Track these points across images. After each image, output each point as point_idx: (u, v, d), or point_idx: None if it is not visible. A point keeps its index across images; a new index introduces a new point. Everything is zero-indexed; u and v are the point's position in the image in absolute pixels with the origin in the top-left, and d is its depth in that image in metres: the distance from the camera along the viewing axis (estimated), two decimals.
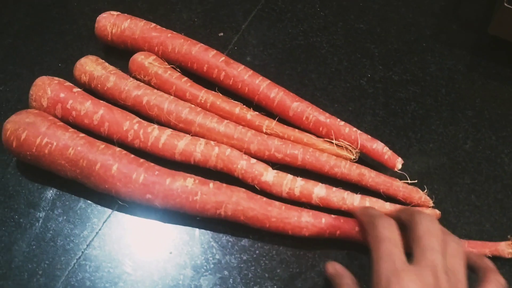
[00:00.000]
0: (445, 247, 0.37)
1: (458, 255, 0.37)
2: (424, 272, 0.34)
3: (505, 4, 0.53)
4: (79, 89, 0.49)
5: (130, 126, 0.47)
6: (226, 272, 0.44)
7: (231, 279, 0.43)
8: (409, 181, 0.48)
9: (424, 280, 0.34)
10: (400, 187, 0.47)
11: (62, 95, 0.48)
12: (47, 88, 0.48)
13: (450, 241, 0.38)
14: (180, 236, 0.45)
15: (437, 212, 0.47)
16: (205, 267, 0.44)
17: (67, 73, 0.52)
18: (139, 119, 0.49)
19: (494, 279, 0.37)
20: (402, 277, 0.34)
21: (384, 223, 0.39)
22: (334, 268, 0.42)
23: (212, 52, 0.53)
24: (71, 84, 0.50)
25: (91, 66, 0.51)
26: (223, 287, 0.43)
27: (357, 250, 0.45)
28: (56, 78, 0.49)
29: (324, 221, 0.44)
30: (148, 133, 0.47)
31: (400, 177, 0.48)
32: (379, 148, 0.48)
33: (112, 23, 0.54)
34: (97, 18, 0.55)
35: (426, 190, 0.47)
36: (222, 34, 0.61)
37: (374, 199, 0.46)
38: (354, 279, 0.41)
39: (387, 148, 0.49)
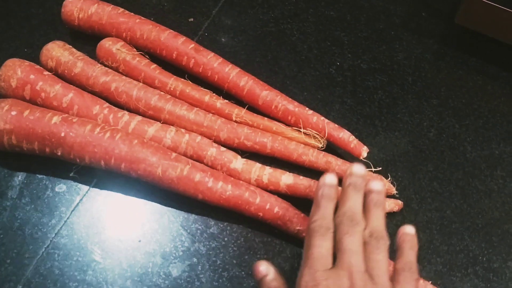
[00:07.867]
0: (366, 246, 0.37)
1: (379, 250, 0.37)
2: (341, 274, 0.35)
3: None
4: (49, 73, 0.49)
5: (100, 111, 0.47)
6: (195, 259, 0.45)
7: (199, 266, 0.44)
8: (373, 169, 0.49)
9: (339, 284, 0.34)
10: None
11: (32, 76, 0.47)
12: (17, 68, 0.47)
13: (372, 239, 0.37)
14: (149, 225, 0.46)
15: (400, 202, 0.48)
16: (174, 255, 0.45)
17: (33, 59, 0.51)
18: (109, 105, 0.48)
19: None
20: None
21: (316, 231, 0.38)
22: (260, 270, 0.39)
23: (182, 38, 0.53)
24: (41, 68, 0.49)
25: (58, 52, 0.51)
26: (192, 274, 0.44)
27: None
28: (27, 61, 0.49)
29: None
30: (118, 118, 0.47)
31: (366, 165, 0.49)
32: (345, 137, 0.49)
33: (79, 7, 0.53)
34: (64, 2, 0.54)
35: (390, 178, 0.49)
36: (192, 19, 0.60)
37: (339, 188, 0.47)
38: (281, 281, 0.39)
39: (353, 137, 0.50)
